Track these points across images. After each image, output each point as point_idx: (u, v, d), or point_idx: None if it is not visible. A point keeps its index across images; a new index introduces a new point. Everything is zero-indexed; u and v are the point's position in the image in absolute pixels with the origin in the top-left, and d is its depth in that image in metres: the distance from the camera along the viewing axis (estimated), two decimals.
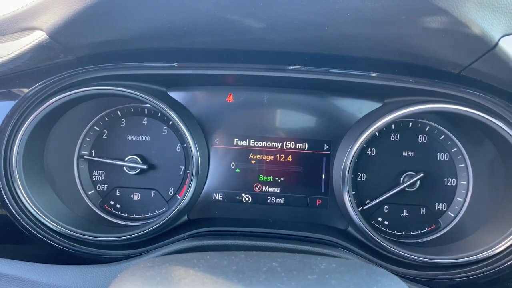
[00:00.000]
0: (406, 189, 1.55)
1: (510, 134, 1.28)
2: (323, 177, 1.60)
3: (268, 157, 1.62)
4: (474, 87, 1.30)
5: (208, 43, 1.34)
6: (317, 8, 1.09)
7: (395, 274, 1.33)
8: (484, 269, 1.32)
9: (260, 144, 1.62)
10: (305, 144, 1.61)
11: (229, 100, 1.62)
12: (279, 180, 1.62)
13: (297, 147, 1.61)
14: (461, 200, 1.57)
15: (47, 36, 1.22)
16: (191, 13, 1.15)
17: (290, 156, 1.62)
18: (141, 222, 1.62)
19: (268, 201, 1.62)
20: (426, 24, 1.09)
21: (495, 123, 1.29)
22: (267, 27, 1.19)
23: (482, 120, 1.30)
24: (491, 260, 1.31)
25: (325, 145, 1.60)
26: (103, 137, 1.65)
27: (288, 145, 1.62)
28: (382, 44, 1.26)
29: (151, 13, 1.17)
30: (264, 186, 1.63)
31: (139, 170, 1.61)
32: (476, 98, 1.30)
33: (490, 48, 1.11)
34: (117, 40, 1.31)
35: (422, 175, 1.53)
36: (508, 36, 1.11)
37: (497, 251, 1.30)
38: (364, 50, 1.33)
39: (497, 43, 1.09)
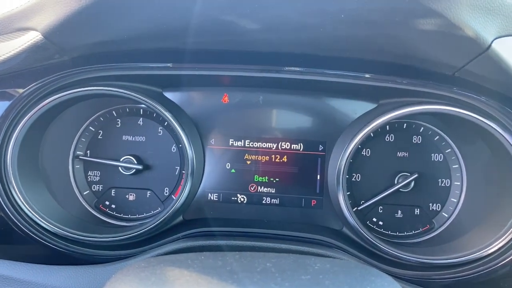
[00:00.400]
0: (401, 189, 1.56)
1: (503, 136, 1.29)
2: (318, 177, 1.61)
3: (263, 158, 1.63)
4: (468, 88, 1.31)
5: (203, 44, 1.34)
6: (312, 10, 1.09)
7: (390, 275, 1.34)
8: (478, 269, 1.32)
9: (255, 144, 1.62)
10: (300, 145, 1.62)
11: (225, 101, 1.62)
12: (274, 181, 1.63)
13: (292, 147, 1.62)
14: (455, 200, 1.58)
15: (42, 37, 1.22)
16: (185, 14, 1.15)
17: (285, 156, 1.62)
18: (136, 223, 1.62)
19: (263, 202, 1.63)
20: (420, 26, 1.09)
21: (488, 125, 1.30)
22: (262, 28, 1.20)
23: (475, 121, 1.31)
24: (485, 260, 1.32)
25: (320, 145, 1.61)
26: (99, 137, 1.65)
27: (283, 146, 1.62)
28: (376, 45, 1.26)
29: (146, 14, 1.17)
30: (259, 187, 1.63)
31: (134, 170, 1.61)
32: (470, 99, 1.31)
33: (483, 50, 1.11)
34: (112, 40, 1.31)
35: (416, 175, 1.54)
36: (501, 38, 1.12)
37: (490, 251, 1.31)
38: (358, 51, 1.33)
39: (490, 45, 1.10)
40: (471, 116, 1.31)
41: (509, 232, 1.29)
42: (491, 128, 1.30)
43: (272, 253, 1.02)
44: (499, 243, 1.30)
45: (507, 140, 1.29)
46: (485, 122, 1.30)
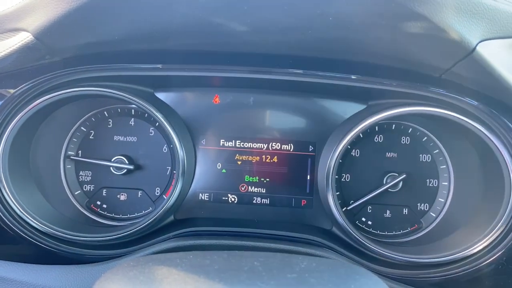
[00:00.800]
0: (389, 189, 1.58)
1: (488, 137, 1.31)
2: (308, 177, 1.63)
3: (254, 158, 1.64)
4: (454, 90, 1.33)
5: (194, 45, 1.35)
6: (300, 13, 1.11)
7: (378, 274, 1.37)
8: (464, 268, 1.35)
9: (246, 145, 1.64)
10: (291, 145, 1.63)
11: (216, 102, 1.63)
12: (265, 181, 1.64)
13: (282, 148, 1.63)
14: (443, 200, 1.60)
15: (33, 38, 1.23)
16: (175, 15, 1.17)
17: (275, 157, 1.64)
18: (127, 222, 1.62)
19: (254, 202, 1.64)
20: (406, 29, 1.11)
21: (474, 126, 1.32)
22: (251, 30, 1.21)
23: (461, 122, 1.33)
24: (470, 259, 1.35)
25: (310, 146, 1.63)
26: (90, 137, 1.66)
27: (273, 146, 1.63)
28: (364, 47, 1.28)
29: (137, 16, 1.18)
30: (249, 187, 1.64)
31: (125, 170, 1.62)
32: (456, 101, 1.33)
33: (468, 53, 1.13)
34: (103, 41, 1.32)
35: (404, 176, 1.56)
36: (485, 41, 1.14)
37: (475, 250, 1.34)
38: (347, 53, 1.35)
39: (474, 48, 1.12)
40: (456, 117, 1.33)
41: (493, 231, 1.32)
42: (477, 130, 1.32)
43: (260, 252, 1.03)
44: (484, 242, 1.33)
45: (492, 141, 1.31)
46: (470, 124, 1.32)
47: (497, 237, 1.32)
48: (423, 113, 1.38)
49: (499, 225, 1.31)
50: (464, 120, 1.33)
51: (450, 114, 1.33)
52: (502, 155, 1.31)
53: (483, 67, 1.16)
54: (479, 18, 1.10)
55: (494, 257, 1.32)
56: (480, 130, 1.32)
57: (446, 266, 1.36)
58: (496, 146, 1.31)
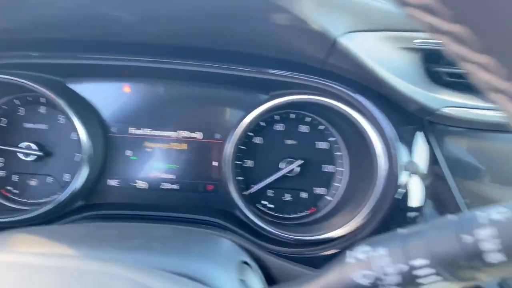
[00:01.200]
0: (288, 174, 1.67)
1: (361, 124, 1.43)
2: (215, 164, 1.71)
3: (163, 145, 1.71)
4: (333, 80, 1.44)
5: (89, 35, 1.41)
6: (173, 3, 1.19)
7: (270, 252, 1.46)
8: (339, 246, 1.45)
9: (155, 133, 1.71)
10: (200, 134, 1.71)
11: (126, 91, 1.70)
12: (174, 167, 1.72)
13: (191, 136, 1.71)
14: (338, 185, 1.70)
15: None
16: (62, 6, 1.23)
17: (184, 144, 1.72)
18: (37, 207, 1.67)
19: (162, 187, 1.71)
20: (272, 21, 1.20)
21: (348, 113, 1.43)
22: (135, 20, 1.28)
23: (339, 110, 1.44)
24: (345, 238, 1.46)
25: (218, 134, 1.71)
26: (2, 124, 1.70)
27: (183, 134, 1.71)
28: (248, 39, 1.37)
29: (26, 5, 1.24)
30: (159, 173, 1.72)
31: (36, 157, 1.67)
32: (334, 90, 1.44)
33: (332, 44, 1.23)
34: (5, 29, 1.37)
35: (301, 161, 1.66)
36: (348, 34, 1.24)
37: (348, 231, 1.45)
38: (236, 45, 1.43)
39: (336, 40, 1.22)
40: (334, 105, 1.44)
41: (360, 213, 1.43)
42: (352, 117, 1.43)
43: (125, 224, 1.10)
44: (353, 224, 1.43)
45: (365, 130, 1.42)
46: (347, 111, 1.43)
47: (365, 217, 1.43)
48: (305, 102, 1.48)
49: (365, 207, 1.42)
50: (341, 108, 1.43)
51: (328, 102, 1.44)
52: (373, 144, 1.42)
53: (348, 58, 1.26)
54: (340, 12, 1.20)
55: (364, 236, 1.43)
56: (355, 118, 1.43)
57: (324, 244, 1.46)
58: (369, 135, 1.42)
